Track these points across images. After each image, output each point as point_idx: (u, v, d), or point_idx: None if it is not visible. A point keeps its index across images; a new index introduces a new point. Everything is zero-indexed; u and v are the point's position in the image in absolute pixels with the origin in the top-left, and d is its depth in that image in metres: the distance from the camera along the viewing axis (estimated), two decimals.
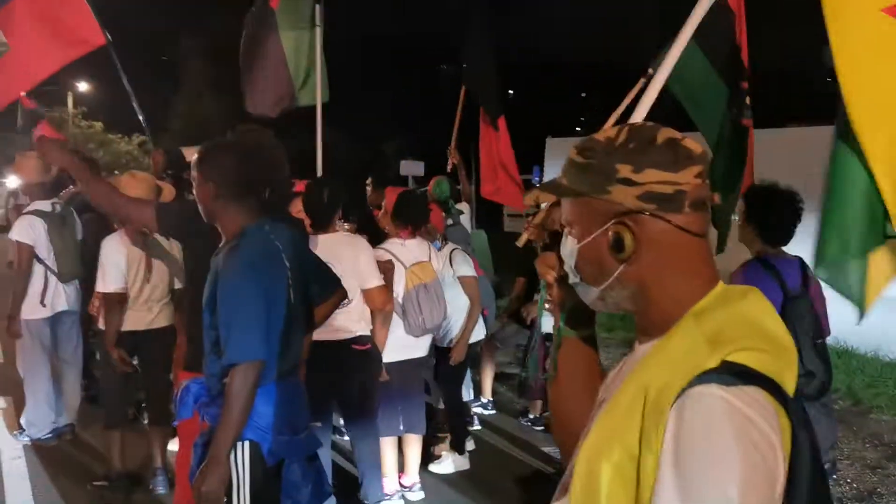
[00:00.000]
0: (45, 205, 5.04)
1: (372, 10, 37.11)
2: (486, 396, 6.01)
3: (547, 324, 4.59)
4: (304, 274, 2.63)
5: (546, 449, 5.23)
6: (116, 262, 4.20)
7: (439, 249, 4.67)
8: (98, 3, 5.87)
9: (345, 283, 3.22)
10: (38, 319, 4.99)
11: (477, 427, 5.54)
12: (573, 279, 1.20)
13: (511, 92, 37.65)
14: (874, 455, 5.25)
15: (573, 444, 1.15)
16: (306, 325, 2.70)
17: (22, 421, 5.19)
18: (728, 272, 3.25)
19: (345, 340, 3.82)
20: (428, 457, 4.72)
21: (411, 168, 16.97)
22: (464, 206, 6.27)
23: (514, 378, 6.67)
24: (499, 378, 6.40)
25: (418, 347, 4.32)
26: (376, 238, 4.39)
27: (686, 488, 0.92)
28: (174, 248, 4.37)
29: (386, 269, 4.05)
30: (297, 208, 3.88)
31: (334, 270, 3.21)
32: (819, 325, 3.27)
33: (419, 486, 4.40)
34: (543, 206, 3.26)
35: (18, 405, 5.38)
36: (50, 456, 4.93)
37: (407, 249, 4.23)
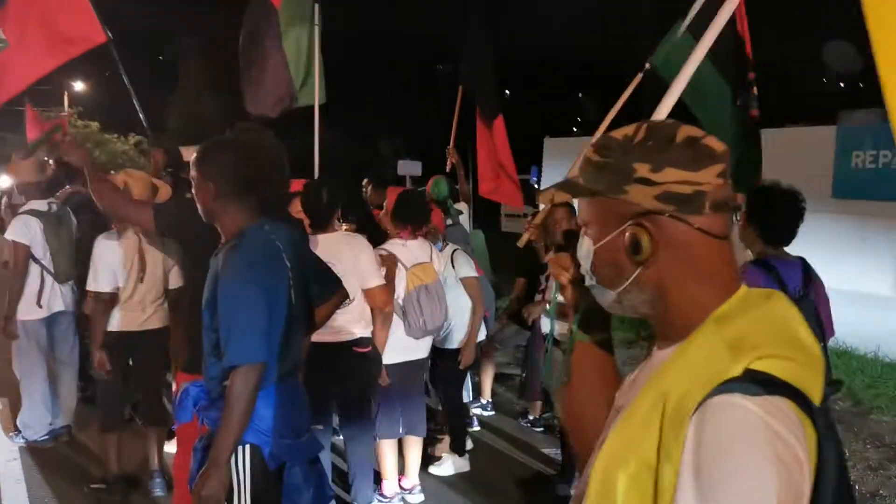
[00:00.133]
0: (41, 204, 5.00)
1: (369, 8, 37.10)
2: (486, 397, 5.98)
3: (547, 325, 4.56)
4: (305, 274, 2.59)
5: (546, 450, 5.20)
6: (109, 261, 4.16)
7: (441, 250, 4.63)
8: (96, 2, 5.83)
9: (345, 283, 3.18)
10: (35, 320, 4.95)
11: (476, 428, 5.51)
12: (589, 281, 1.16)
13: (507, 92, 37.65)
14: (876, 456, 5.24)
15: (588, 452, 1.12)
16: (307, 326, 2.67)
17: (18, 423, 5.15)
18: None
19: (345, 342, 3.79)
20: (427, 458, 4.69)
21: (409, 168, 16.97)
22: (462, 206, 6.25)
23: (513, 379, 6.65)
24: (498, 379, 6.37)
25: (419, 349, 4.28)
26: (376, 238, 4.36)
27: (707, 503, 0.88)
28: (169, 248, 4.34)
29: (389, 262, 4.02)
30: (296, 208, 3.85)
31: (335, 270, 3.18)
32: (822, 329, 3.24)
33: (419, 488, 4.37)
34: (542, 206, 3.23)
35: (14, 407, 5.34)
36: (46, 458, 4.89)
37: (408, 250, 4.19)
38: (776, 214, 3.28)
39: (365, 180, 6.28)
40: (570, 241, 1.23)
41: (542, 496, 4.52)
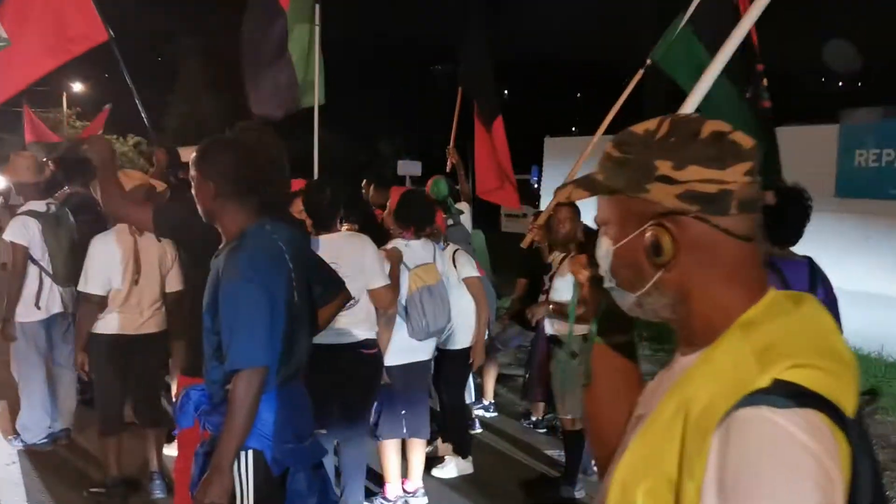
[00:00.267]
0: (39, 205, 4.95)
1: (369, 9, 37.10)
2: (488, 399, 5.94)
3: (550, 326, 4.52)
4: (307, 275, 2.55)
5: (549, 452, 5.17)
6: (103, 263, 4.10)
7: (443, 250, 4.59)
8: (97, 2, 5.80)
9: (350, 284, 3.14)
10: (33, 322, 4.90)
11: (479, 430, 5.48)
12: (608, 283, 1.10)
13: (506, 92, 37.67)
14: (881, 457, 5.19)
15: (607, 457, 1.07)
16: (310, 328, 2.63)
17: (16, 426, 5.10)
18: None
19: (351, 344, 3.75)
20: (430, 461, 4.65)
21: (408, 168, 16.97)
22: (463, 206, 6.21)
23: (515, 380, 6.62)
24: (500, 380, 6.33)
25: (422, 350, 4.24)
26: (378, 238, 4.32)
27: None
28: (167, 250, 4.30)
29: (393, 258, 3.98)
30: (297, 208, 3.81)
31: (339, 271, 3.14)
32: None
33: (422, 491, 4.33)
34: (543, 207, 3.18)
35: (13, 409, 5.30)
36: (45, 461, 4.85)
37: (411, 250, 4.15)
38: (781, 213, 3.23)
39: (364, 181, 6.24)
40: (590, 240, 1.17)
41: (545, 498, 4.48)
